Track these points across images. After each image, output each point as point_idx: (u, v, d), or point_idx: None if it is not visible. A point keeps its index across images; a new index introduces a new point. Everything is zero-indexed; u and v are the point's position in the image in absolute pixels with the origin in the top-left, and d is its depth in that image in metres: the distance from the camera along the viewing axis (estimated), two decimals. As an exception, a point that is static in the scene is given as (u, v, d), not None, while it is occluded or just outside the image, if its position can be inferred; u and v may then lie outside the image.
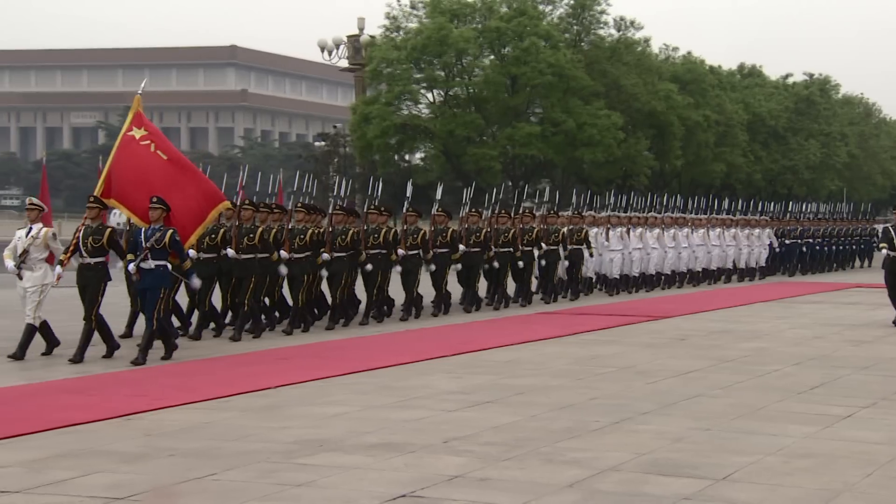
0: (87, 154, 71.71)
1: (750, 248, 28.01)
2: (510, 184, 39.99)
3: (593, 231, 22.23)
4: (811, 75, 61.59)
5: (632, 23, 46.07)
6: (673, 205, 28.73)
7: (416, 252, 17.03)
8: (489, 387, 10.52)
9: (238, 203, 14.84)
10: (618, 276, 23.05)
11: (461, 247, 17.87)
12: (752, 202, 33.66)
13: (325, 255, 15.30)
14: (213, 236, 14.09)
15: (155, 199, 11.96)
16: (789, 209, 34.15)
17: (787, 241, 30.02)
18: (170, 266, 12.22)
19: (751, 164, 52.87)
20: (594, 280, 23.12)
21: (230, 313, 14.91)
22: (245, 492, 6.57)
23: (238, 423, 8.64)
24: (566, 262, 20.70)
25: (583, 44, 45.15)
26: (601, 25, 45.71)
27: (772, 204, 35.10)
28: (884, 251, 16.49)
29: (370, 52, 41.49)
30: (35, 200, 12.85)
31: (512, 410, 9.29)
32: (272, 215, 15.33)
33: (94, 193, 12.41)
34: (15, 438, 8.02)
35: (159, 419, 8.82)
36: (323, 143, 62.30)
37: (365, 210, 17.72)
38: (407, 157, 47.19)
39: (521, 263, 19.37)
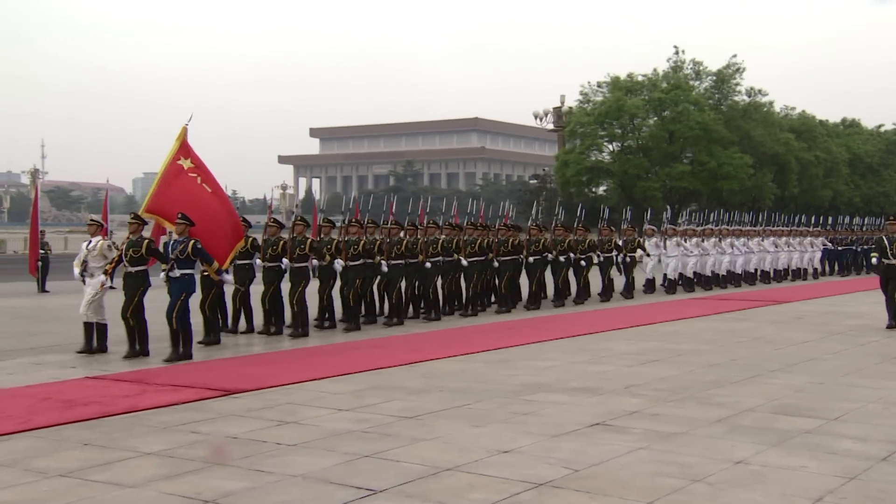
0: (383, 191, 74.79)
1: (802, 252, 23.47)
2: (668, 207, 38.98)
3: (651, 240, 18.81)
4: (899, 124, 57.14)
5: (759, 91, 44.67)
6: (792, 221, 26.71)
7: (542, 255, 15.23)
8: (656, 350, 10.21)
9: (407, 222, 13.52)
10: (674, 277, 18.72)
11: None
12: (809, 217, 29.23)
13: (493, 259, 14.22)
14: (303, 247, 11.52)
15: (180, 216, 9.65)
16: (839, 221, 29.40)
17: (840, 248, 25.75)
18: (198, 276, 9.96)
19: (851, 191, 49.68)
20: (660, 280, 18.82)
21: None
22: (489, 417, 6.64)
23: (483, 371, 8.71)
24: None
25: (722, 107, 43.83)
26: (736, 93, 44.51)
27: (838, 218, 30.65)
28: (874, 259, 13.27)
29: (568, 117, 41.76)
30: (94, 217, 10.49)
31: (673, 367, 8.98)
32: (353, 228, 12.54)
33: (137, 213, 10.03)
34: (344, 376, 8.38)
35: (432, 366, 9.00)
36: (535, 181, 62.63)
37: (494, 225, 15.49)
38: (594, 189, 46.73)
39: (582, 263, 16.20)
